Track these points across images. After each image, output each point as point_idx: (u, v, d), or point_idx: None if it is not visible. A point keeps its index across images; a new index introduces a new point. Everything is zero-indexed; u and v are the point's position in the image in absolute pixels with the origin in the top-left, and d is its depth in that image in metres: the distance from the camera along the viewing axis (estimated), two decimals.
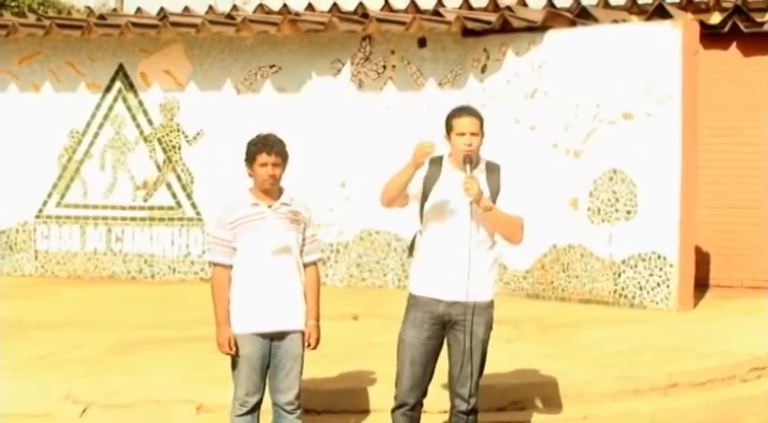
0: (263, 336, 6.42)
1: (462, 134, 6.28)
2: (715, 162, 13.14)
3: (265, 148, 6.39)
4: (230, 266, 6.45)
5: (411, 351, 6.42)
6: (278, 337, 6.46)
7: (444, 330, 6.38)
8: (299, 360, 6.53)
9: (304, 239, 6.58)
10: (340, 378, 8.31)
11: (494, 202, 6.29)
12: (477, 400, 6.41)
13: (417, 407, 6.49)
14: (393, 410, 6.52)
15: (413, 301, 6.46)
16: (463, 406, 6.38)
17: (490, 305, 6.42)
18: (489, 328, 6.41)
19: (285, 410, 6.51)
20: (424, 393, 6.50)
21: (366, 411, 7.88)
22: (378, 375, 8.17)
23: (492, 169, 6.39)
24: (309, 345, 6.55)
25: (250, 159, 6.43)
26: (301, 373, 6.55)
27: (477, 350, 6.35)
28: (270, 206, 6.46)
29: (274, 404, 6.54)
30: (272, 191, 6.47)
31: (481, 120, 6.35)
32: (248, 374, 6.42)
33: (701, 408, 8.30)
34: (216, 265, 6.51)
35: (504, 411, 7.90)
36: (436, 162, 6.40)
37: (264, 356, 6.45)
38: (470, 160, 6.25)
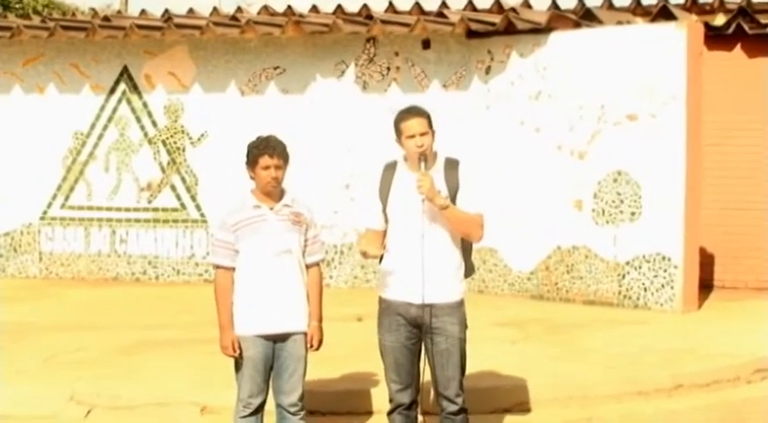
0: (267, 337, 6.42)
1: (412, 136, 6.22)
2: (720, 163, 13.14)
3: (267, 151, 6.39)
4: (233, 269, 6.45)
5: (394, 354, 6.42)
6: (281, 338, 6.46)
7: (421, 331, 6.35)
8: (303, 361, 6.53)
9: (306, 240, 6.57)
10: (344, 379, 8.31)
11: (453, 199, 6.20)
12: (465, 399, 6.38)
13: (414, 405, 6.49)
14: (389, 413, 6.52)
15: (384, 305, 6.46)
16: (451, 407, 6.36)
17: (460, 304, 6.35)
18: (464, 326, 6.34)
19: (289, 412, 6.51)
20: (418, 391, 6.49)
21: (370, 413, 7.89)
22: (382, 377, 8.13)
23: (450, 166, 6.29)
24: (312, 346, 6.55)
25: (252, 162, 6.42)
26: (305, 374, 6.55)
27: (455, 349, 6.30)
28: (272, 208, 6.46)
29: (278, 405, 6.54)
30: (274, 193, 6.47)
31: (428, 117, 6.28)
32: (252, 376, 6.42)
33: (706, 409, 8.29)
34: (219, 267, 6.50)
35: (508, 412, 7.89)
36: (390, 167, 6.44)
37: (268, 358, 6.45)
38: (425, 158, 6.22)
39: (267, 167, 6.38)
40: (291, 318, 6.48)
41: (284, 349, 6.47)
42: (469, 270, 6.46)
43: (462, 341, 6.33)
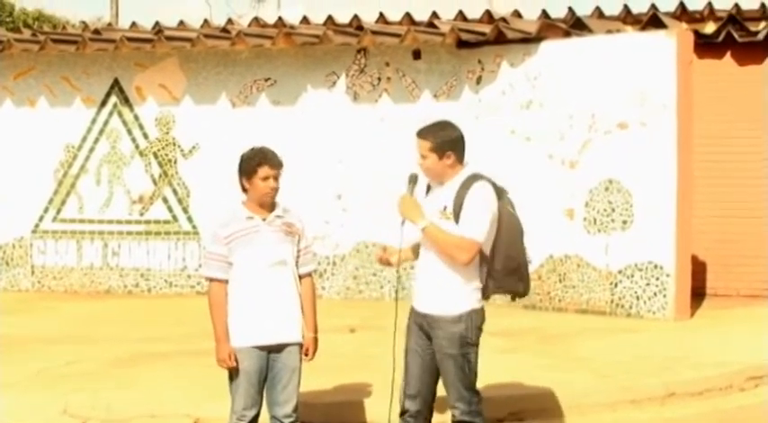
0: (262, 349, 6.41)
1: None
2: (710, 171, 13.16)
3: (267, 161, 6.39)
4: (226, 281, 6.44)
5: (406, 357, 6.46)
6: (276, 349, 6.45)
7: (430, 340, 6.38)
8: (297, 372, 6.52)
9: (299, 251, 6.57)
10: (338, 390, 8.31)
11: (457, 217, 6.16)
12: (469, 411, 6.35)
13: (419, 417, 6.47)
14: (400, 415, 6.54)
15: (410, 311, 6.51)
16: (453, 414, 6.38)
17: (456, 320, 6.25)
18: (457, 344, 6.25)
19: None
20: (428, 406, 6.48)
21: None
22: (375, 387, 8.15)
23: (466, 184, 6.22)
24: (307, 355, 6.55)
25: (249, 172, 6.39)
26: (299, 385, 6.55)
27: (446, 363, 6.28)
28: (264, 219, 6.45)
29: (273, 417, 6.53)
30: (268, 204, 6.47)
31: (433, 140, 6.26)
32: (246, 388, 6.41)
33: (699, 417, 8.30)
34: (212, 280, 6.48)
35: (502, 422, 7.89)
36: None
37: (262, 370, 6.44)
38: (413, 180, 6.29)
39: (267, 178, 6.38)
40: (286, 328, 6.48)
41: (279, 360, 6.46)
42: (497, 290, 6.32)
43: (456, 358, 6.27)
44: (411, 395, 6.45)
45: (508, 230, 6.25)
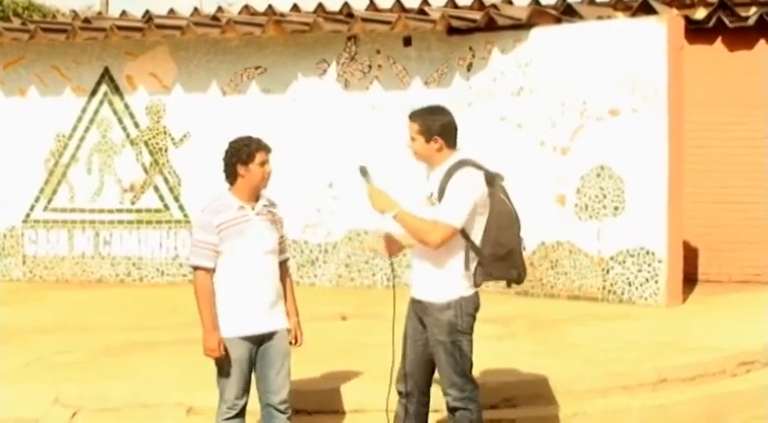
0: (252, 338, 6.41)
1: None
2: (701, 157, 13.16)
3: (262, 147, 6.43)
4: (213, 270, 6.42)
5: (404, 341, 6.54)
6: (267, 337, 6.46)
7: (424, 326, 6.42)
8: (289, 357, 6.56)
9: (279, 239, 6.61)
10: (330, 378, 8.30)
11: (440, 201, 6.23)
12: (461, 398, 6.37)
13: (411, 398, 6.51)
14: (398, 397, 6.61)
15: (410, 298, 6.56)
16: (447, 401, 6.42)
17: (446, 307, 6.30)
18: (446, 330, 6.30)
19: (279, 410, 6.50)
20: (419, 389, 6.51)
21: (356, 411, 7.88)
22: (367, 375, 8.16)
23: (451, 170, 6.26)
24: (296, 342, 6.57)
25: (246, 158, 6.38)
26: (290, 371, 6.57)
27: (438, 350, 6.33)
28: (253, 208, 6.46)
29: (267, 405, 6.53)
30: (260, 191, 6.47)
31: (419, 123, 6.35)
32: (238, 378, 6.41)
33: (691, 403, 8.31)
34: (199, 269, 6.43)
35: (495, 409, 7.89)
36: None
37: (251, 359, 6.45)
38: (364, 172, 6.47)
39: (264, 162, 6.42)
40: (275, 316, 6.50)
41: (271, 347, 6.47)
42: (487, 277, 6.34)
43: (447, 343, 6.31)
44: (403, 376, 6.52)
45: (498, 217, 6.26)
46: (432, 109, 6.46)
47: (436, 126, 6.32)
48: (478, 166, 6.32)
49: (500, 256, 6.28)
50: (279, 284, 6.56)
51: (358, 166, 6.49)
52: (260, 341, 6.45)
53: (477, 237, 6.25)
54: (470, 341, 6.39)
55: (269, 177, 6.47)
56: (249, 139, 6.47)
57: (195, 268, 6.46)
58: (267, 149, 6.45)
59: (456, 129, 6.41)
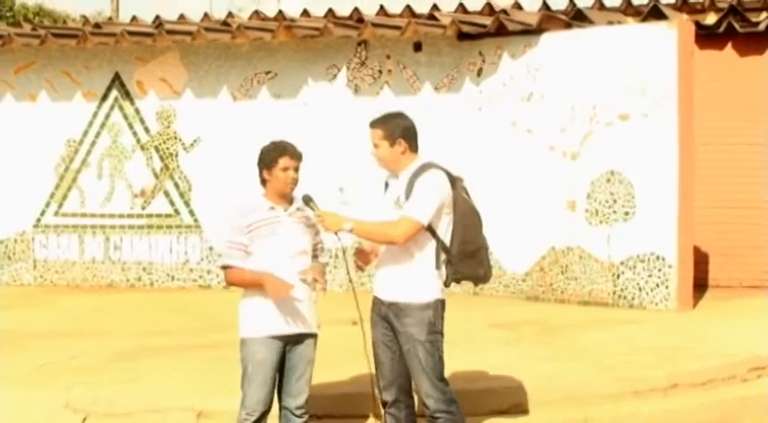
0: (280, 339, 6.40)
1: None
2: (712, 162, 13.15)
3: (287, 152, 6.48)
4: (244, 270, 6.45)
5: (375, 350, 6.57)
6: (293, 340, 6.46)
7: (393, 330, 6.43)
8: (312, 364, 6.57)
9: (315, 245, 6.65)
10: (340, 383, 8.29)
11: None
12: (444, 399, 6.35)
13: (398, 404, 6.51)
14: (383, 407, 6.62)
15: (373, 303, 6.60)
16: (426, 406, 6.39)
17: (424, 307, 6.34)
18: (426, 330, 6.32)
19: (294, 414, 6.50)
20: (405, 392, 6.51)
21: (366, 416, 7.87)
22: None
23: (417, 174, 6.31)
24: (317, 281, 6.51)
25: (270, 163, 6.45)
26: (311, 377, 6.57)
27: (416, 351, 6.32)
28: (285, 210, 6.49)
29: (284, 408, 6.54)
30: (289, 195, 6.51)
31: (381, 128, 6.46)
32: (261, 381, 6.37)
33: (701, 408, 8.29)
34: (230, 268, 6.47)
35: (505, 414, 7.88)
36: None
37: (277, 363, 6.44)
38: (307, 199, 6.47)
39: (287, 169, 6.46)
40: (305, 319, 6.51)
41: (295, 352, 6.48)
42: (456, 275, 6.39)
43: (426, 343, 6.31)
44: (386, 385, 6.54)
45: (462, 216, 6.37)
46: (392, 114, 6.56)
47: (399, 129, 6.41)
48: (442, 169, 6.38)
49: (468, 254, 6.37)
50: (310, 288, 6.56)
51: (302, 196, 6.52)
52: (287, 343, 6.44)
53: (445, 237, 6.34)
54: (443, 343, 6.44)
55: (293, 183, 6.51)
56: (276, 144, 6.55)
57: (226, 268, 6.49)
58: (293, 155, 6.49)
59: (416, 133, 6.49)
